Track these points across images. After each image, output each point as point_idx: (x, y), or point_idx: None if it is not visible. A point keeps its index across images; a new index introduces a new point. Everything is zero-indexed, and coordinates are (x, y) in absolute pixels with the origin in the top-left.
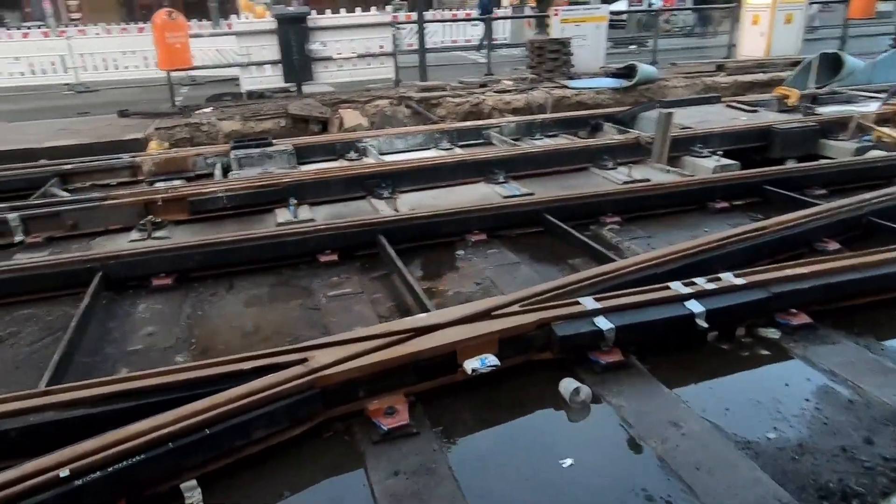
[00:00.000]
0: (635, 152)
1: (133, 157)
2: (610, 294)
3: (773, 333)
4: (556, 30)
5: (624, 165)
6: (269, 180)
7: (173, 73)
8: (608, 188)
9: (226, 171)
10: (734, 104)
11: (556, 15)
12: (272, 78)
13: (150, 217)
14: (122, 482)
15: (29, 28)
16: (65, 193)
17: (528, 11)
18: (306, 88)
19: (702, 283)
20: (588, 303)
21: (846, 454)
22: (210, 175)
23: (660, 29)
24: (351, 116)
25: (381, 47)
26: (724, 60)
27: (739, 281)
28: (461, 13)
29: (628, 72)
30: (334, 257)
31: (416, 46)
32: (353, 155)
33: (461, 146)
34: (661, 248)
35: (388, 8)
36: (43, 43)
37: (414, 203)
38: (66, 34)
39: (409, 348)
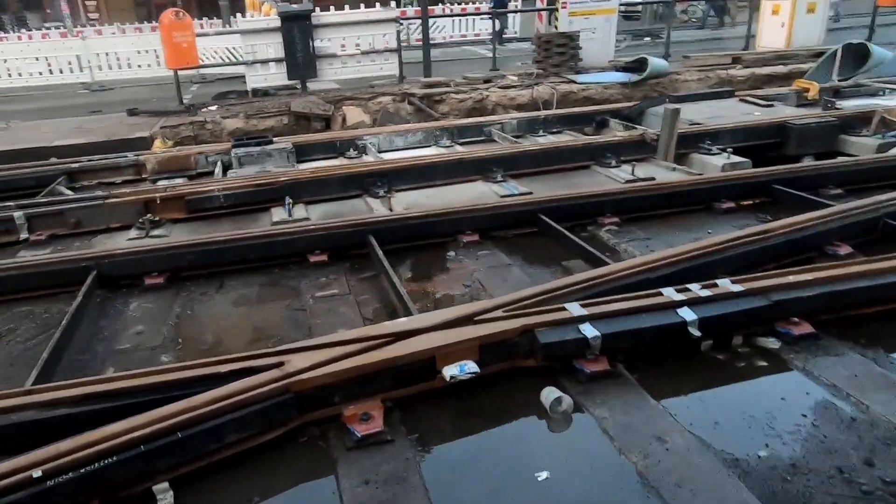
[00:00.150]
0: (641, 149)
1: (137, 155)
2: (598, 300)
3: (772, 343)
4: (563, 23)
5: (628, 163)
6: (265, 179)
7: (183, 72)
8: (606, 188)
9: (226, 169)
10: (748, 98)
11: (563, 7)
12: (277, 75)
13: (148, 216)
14: (95, 483)
15: (48, 28)
16: (69, 192)
17: (538, 4)
18: (312, 85)
19: (696, 289)
20: (574, 309)
21: (843, 476)
22: (212, 173)
23: (677, 20)
24: (354, 113)
25: (386, 43)
26: (741, 52)
27: (736, 287)
28: (471, 7)
29: (638, 65)
30: (324, 258)
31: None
32: (352, 153)
33: (462, 143)
34: (658, 252)
35: (392, 3)
36: (61, 43)
37: (409, 202)
38: (83, 34)
39: (387, 354)
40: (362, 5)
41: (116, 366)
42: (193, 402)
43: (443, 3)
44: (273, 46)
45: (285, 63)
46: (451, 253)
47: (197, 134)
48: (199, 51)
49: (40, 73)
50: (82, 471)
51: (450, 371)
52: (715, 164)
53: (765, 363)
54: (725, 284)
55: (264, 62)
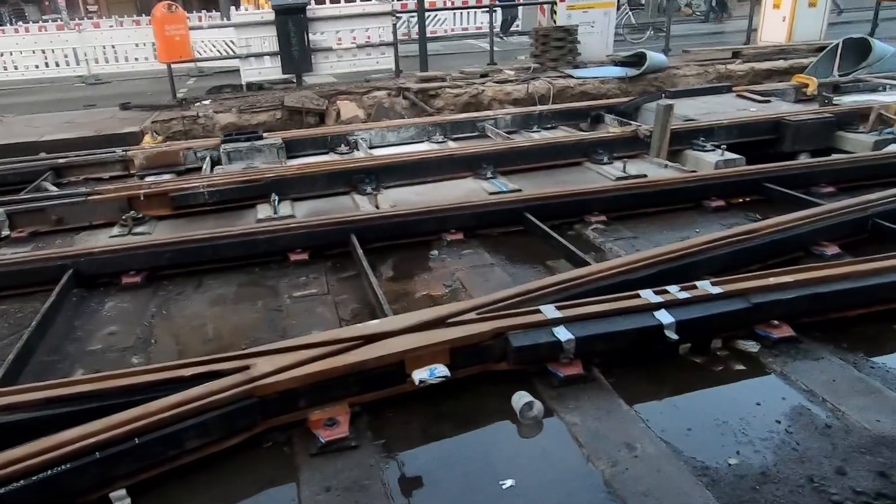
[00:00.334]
0: (634, 146)
1: (125, 151)
2: (574, 302)
3: (751, 347)
4: (562, 17)
5: (621, 160)
6: (251, 175)
7: (180, 65)
8: (593, 186)
9: (216, 164)
10: (745, 94)
11: (562, 1)
12: (272, 69)
13: (131, 213)
14: (48, 491)
15: (45, 21)
16: (54, 188)
17: None
18: (309, 79)
19: (674, 291)
20: (549, 311)
21: (813, 485)
22: (201, 169)
23: (681, 12)
24: (348, 108)
25: (381, 37)
26: (742, 47)
27: (716, 290)
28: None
29: (637, 60)
30: (305, 256)
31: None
32: (343, 148)
33: (455, 139)
34: (639, 252)
35: None
36: (57, 35)
37: (396, 199)
38: (81, 27)
39: (355, 357)
40: None
41: (86, 367)
42: (151, 408)
43: None
44: (267, 40)
45: (280, 57)
46: (435, 252)
47: (189, 129)
48: (196, 44)
49: (36, 67)
50: (34, 478)
51: (419, 375)
52: (708, 160)
53: (743, 367)
54: (705, 286)
55: (259, 56)
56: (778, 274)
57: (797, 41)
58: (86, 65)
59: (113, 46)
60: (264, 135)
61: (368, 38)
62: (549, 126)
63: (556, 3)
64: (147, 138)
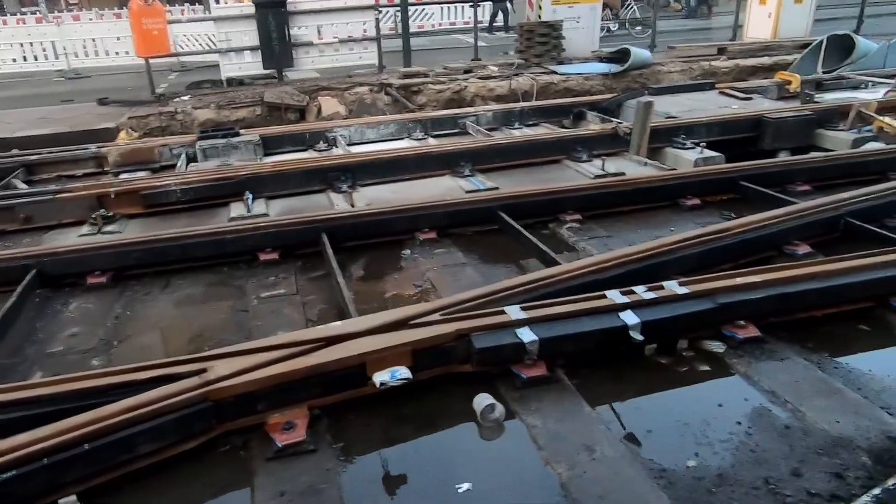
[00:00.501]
0: (614, 143)
1: (99, 147)
2: (539, 303)
3: (717, 347)
4: (547, 12)
5: (600, 158)
6: (224, 173)
7: (162, 60)
8: (568, 184)
9: (191, 162)
10: (728, 91)
11: None
12: (252, 64)
13: (101, 211)
14: None
15: (24, 13)
16: (24, 186)
17: None
18: (291, 75)
19: (641, 291)
20: (514, 312)
21: (768, 487)
22: (176, 167)
23: (671, 8)
24: (329, 104)
25: (364, 32)
26: (727, 43)
27: (682, 290)
28: None
29: (621, 56)
30: (275, 256)
31: (413, 29)
32: (322, 145)
33: (436, 136)
34: (612, 251)
35: None
36: (36, 28)
37: (372, 197)
38: (60, 20)
39: (314, 360)
40: None
41: (46, 370)
42: (103, 413)
43: None
44: (248, 34)
45: (260, 51)
46: (407, 251)
47: (167, 125)
48: (178, 38)
49: (14, 60)
50: None
51: (380, 377)
52: (688, 158)
53: (708, 368)
54: (672, 286)
55: (239, 51)
56: (745, 274)
57: (782, 38)
58: (65, 59)
59: (93, 40)
60: (241, 131)
61: (350, 32)
62: (531, 123)
63: None
64: (122, 134)
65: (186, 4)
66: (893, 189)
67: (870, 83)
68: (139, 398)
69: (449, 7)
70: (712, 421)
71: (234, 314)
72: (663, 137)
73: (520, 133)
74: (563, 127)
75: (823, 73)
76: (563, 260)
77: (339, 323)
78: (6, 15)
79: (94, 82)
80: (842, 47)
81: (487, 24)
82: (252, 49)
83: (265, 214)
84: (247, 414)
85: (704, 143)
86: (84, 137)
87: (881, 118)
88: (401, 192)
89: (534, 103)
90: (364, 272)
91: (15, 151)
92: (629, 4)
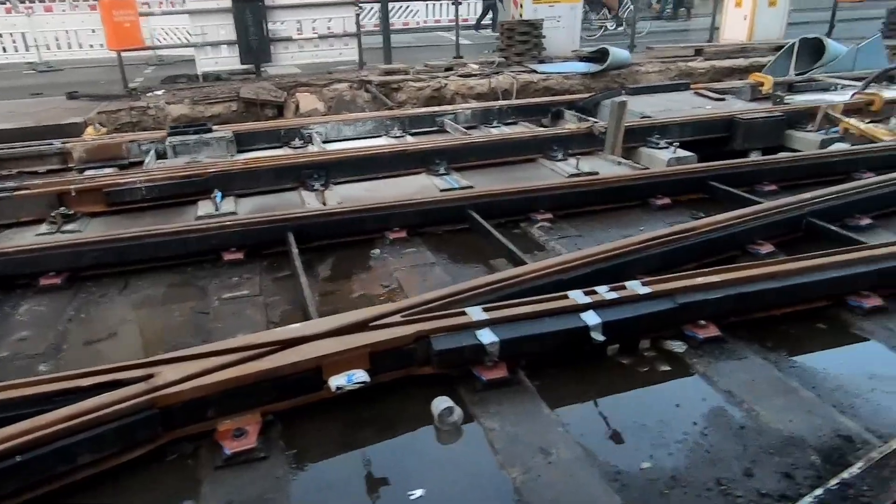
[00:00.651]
0: (590, 143)
1: (64, 143)
2: (502, 304)
3: (678, 347)
4: (528, 10)
5: (575, 156)
6: (192, 170)
7: (138, 53)
8: (539, 183)
9: (161, 158)
10: (703, 92)
11: None
12: (229, 59)
13: (60, 209)
14: None
15: None
16: None
17: None
18: (271, 70)
19: (603, 291)
20: (475, 313)
21: (720, 488)
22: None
23: (653, 9)
24: (308, 101)
25: (345, 27)
26: (704, 44)
27: (644, 290)
28: None
29: (601, 56)
30: (240, 256)
31: (398, 26)
32: (297, 142)
33: (414, 134)
34: (578, 251)
35: None
36: (5, 19)
37: (345, 195)
38: (31, 10)
39: (267, 364)
40: None
41: None
42: (38, 422)
43: None
44: (224, 28)
45: (237, 46)
46: (377, 251)
47: (139, 120)
48: (155, 31)
49: None
50: None
51: (336, 381)
52: (661, 158)
53: (668, 368)
54: (634, 286)
55: (215, 45)
56: (705, 274)
57: (758, 40)
58: (36, 51)
59: (66, 32)
60: (214, 127)
61: (330, 28)
62: (509, 122)
63: None
64: (90, 130)
65: None
66: (854, 189)
67: (839, 85)
68: (79, 406)
69: (433, 4)
70: (670, 422)
71: (194, 316)
72: (638, 137)
73: (498, 131)
74: (542, 125)
75: (796, 75)
76: (530, 260)
77: (296, 325)
78: None
79: (67, 75)
80: (813, 50)
81: (475, 22)
82: (229, 43)
83: (234, 213)
84: (196, 421)
85: (678, 143)
86: (50, 132)
87: (847, 119)
88: (375, 190)
89: (513, 102)
90: (331, 272)
91: None
92: (626, 4)
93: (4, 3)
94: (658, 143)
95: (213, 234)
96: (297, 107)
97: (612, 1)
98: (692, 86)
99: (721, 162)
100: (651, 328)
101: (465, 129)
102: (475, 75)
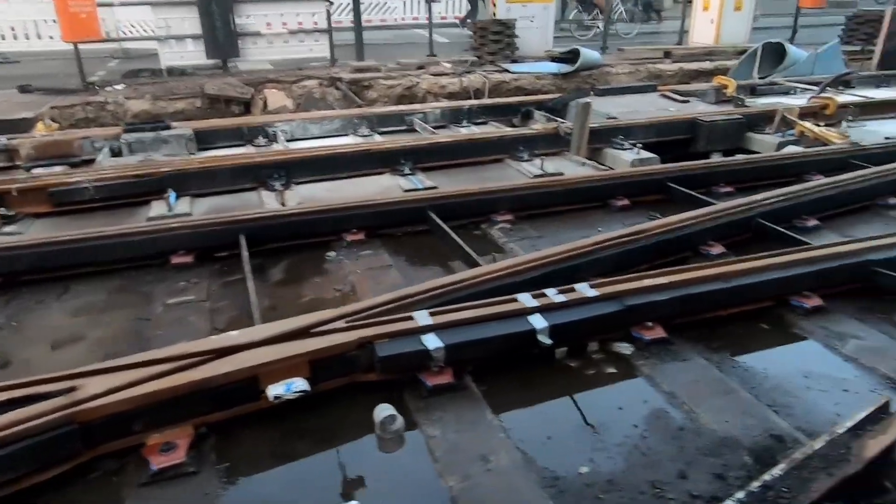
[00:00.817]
0: (556, 143)
1: (10, 139)
2: (448, 308)
3: (625, 349)
4: (501, 10)
5: (541, 157)
6: (144, 169)
7: (102, 46)
8: (500, 184)
9: (115, 156)
10: (668, 94)
11: None
12: (194, 53)
13: (0, 210)
14: None
15: None
16: None
17: None
18: (241, 66)
19: (552, 294)
20: (421, 318)
21: (654, 491)
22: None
23: (629, 12)
24: (276, 97)
25: (315, 23)
26: (673, 47)
27: (592, 292)
28: None
29: (572, 56)
30: (189, 259)
31: (375, 22)
32: (261, 141)
33: (382, 133)
34: (533, 252)
35: None
36: None
37: (306, 196)
38: None
39: (199, 374)
40: None
41: None
42: None
43: None
44: (189, 21)
45: (203, 40)
46: (332, 253)
47: (96, 116)
48: (120, 23)
49: None
50: None
51: (274, 390)
52: (625, 159)
53: (614, 370)
54: (582, 289)
55: (180, 38)
56: (652, 276)
57: (724, 43)
58: None
59: (23, 21)
60: (174, 124)
61: (300, 23)
62: (479, 121)
63: None
64: (40, 125)
65: None
66: (802, 191)
67: (798, 89)
68: None
69: (410, 1)
70: (611, 425)
71: (135, 323)
72: (603, 138)
73: (467, 131)
74: (513, 125)
75: (759, 78)
76: (484, 262)
77: (234, 333)
78: None
79: (24, 68)
80: (776, 54)
81: (461, 20)
82: (194, 37)
83: (188, 214)
84: (121, 436)
85: (641, 145)
86: None
87: (802, 122)
88: (336, 190)
89: (482, 101)
90: (284, 276)
91: None
92: (617, 5)
93: None
94: (622, 145)
95: (161, 237)
96: (265, 104)
97: (601, 1)
98: (659, 88)
99: (679, 164)
100: (599, 330)
101: (433, 129)
102: (447, 74)
